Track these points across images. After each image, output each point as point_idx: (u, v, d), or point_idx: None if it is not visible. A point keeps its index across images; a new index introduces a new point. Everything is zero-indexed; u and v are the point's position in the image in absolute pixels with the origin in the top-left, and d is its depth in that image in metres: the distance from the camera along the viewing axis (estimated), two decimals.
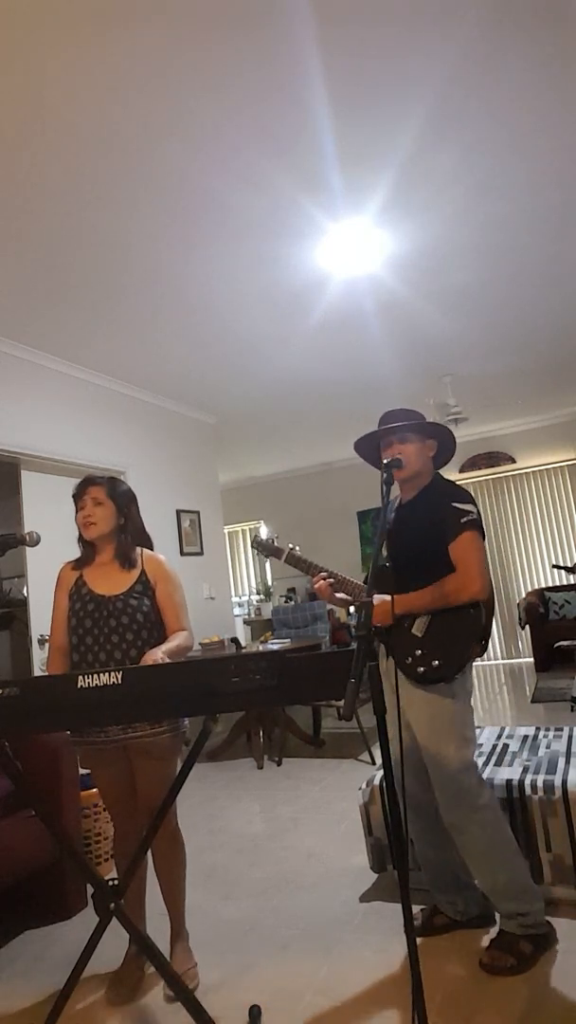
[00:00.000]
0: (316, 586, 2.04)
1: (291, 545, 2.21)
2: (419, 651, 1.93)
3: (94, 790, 2.72)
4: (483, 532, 1.96)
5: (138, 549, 2.15)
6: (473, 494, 2.03)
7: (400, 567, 1.97)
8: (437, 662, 1.90)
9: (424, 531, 1.97)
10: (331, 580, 2.03)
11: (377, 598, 1.93)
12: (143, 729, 1.94)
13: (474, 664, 2.02)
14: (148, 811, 1.98)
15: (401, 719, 2.00)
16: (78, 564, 2.14)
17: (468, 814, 1.89)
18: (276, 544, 2.24)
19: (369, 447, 2.14)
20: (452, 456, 2.15)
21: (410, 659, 1.94)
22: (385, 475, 1.83)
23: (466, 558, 1.89)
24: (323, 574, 2.05)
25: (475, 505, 1.97)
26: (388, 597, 1.91)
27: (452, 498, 1.97)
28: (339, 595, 2.05)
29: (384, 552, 2.09)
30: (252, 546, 2.33)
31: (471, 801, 1.89)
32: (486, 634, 1.98)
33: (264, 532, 8.84)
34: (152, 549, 2.20)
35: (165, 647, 1.96)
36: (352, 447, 2.18)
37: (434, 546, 1.93)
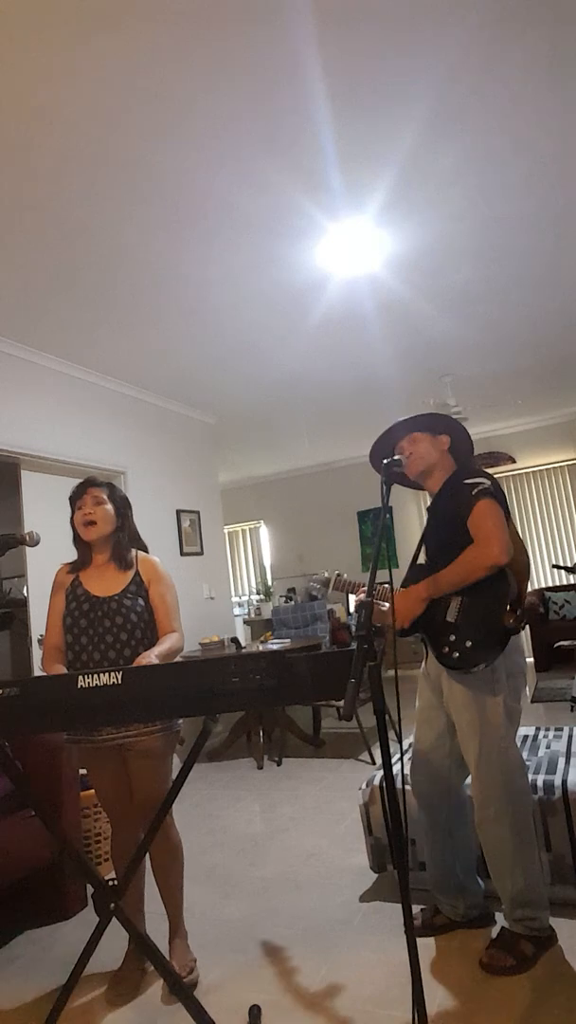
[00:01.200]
0: (360, 600, 2.01)
1: (337, 572, 2.19)
2: (452, 636, 1.88)
3: (94, 790, 2.72)
4: (500, 498, 1.90)
5: (133, 551, 2.16)
6: None
7: (435, 562, 1.95)
8: (470, 642, 1.84)
9: (448, 518, 1.95)
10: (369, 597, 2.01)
11: (402, 594, 1.92)
12: (137, 729, 1.95)
13: (521, 644, 1.93)
14: (144, 811, 1.98)
15: (434, 715, 1.98)
16: (74, 568, 2.15)
17: (505, 816, 1.85)
18: (326, 575, 2.22)
19: (383, 456, 2.08)
20: (471, 446, 2.12)
21: (446, 647, 1.89)
22: (385, 475, 1.83)
23: (481, 524, 1.84)
24: (363, 589, 2.02)
25: (488, 477, 1.93)
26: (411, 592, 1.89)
27: (463, 476, 1.96)
28: (383, 605, 2.00)
29: (423, 555, 2.07)
30: (309, 585, 2.31)
31: (512, 803, 1.86)
32: (519, 601, 1.89)
33: (264, 539, 8.92)
34: (146, 552, 2.22)
35: (156, 650, 1.99)
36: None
37: (456, 529, 1.90)
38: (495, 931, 1.99)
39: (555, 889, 2.09)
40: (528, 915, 1.87)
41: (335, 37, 1.95)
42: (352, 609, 2.12)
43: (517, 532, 1.97)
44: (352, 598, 2.06)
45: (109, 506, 2.12)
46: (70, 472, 4.09)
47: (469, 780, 2.09)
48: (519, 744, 2.59)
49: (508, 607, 1.85)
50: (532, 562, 7.49)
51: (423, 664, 2.08)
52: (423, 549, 2.10)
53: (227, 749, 4.72)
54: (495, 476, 8.27)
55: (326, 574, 2.23)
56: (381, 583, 2.00)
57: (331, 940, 2.12)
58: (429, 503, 2.12)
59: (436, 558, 1.96)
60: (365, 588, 2.00)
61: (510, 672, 1.90)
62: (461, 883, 2.04)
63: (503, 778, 1.86)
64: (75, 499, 2.13)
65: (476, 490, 1.88)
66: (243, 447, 7.09)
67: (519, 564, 1.90)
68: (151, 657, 1.93)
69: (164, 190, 2.58)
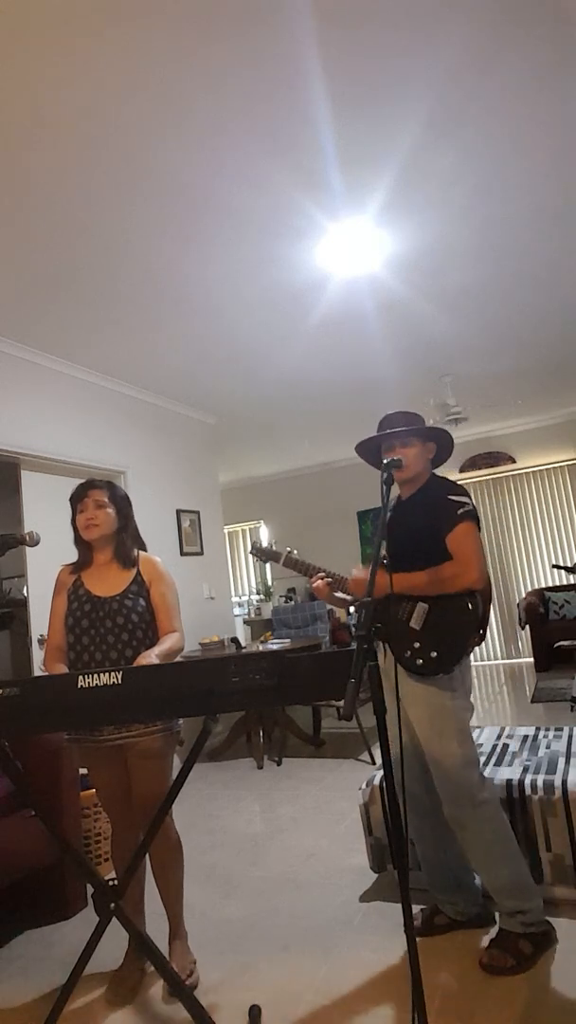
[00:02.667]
0: (314, 586, 2.07)
1: (288, 549, 2.24)
2: (417, 643, 1.94)
3: (94, 790, 2.72)
4: (479, 523, 1.99)
5: (136, 549, 2.17)
6: (473, 494, 2.07)
7: (398, 561, 1.98)
8: (435, 653, 1.91)
9: (421, 525, 2.00)
10: (328, 580, 2.06)
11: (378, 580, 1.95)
12: (137, 729, 1.95)
13: (473, 664, 2.04)
14: (144, 811, 1.98)
15: (401, 716, 2.01)
16: (76, 568, 2.16)
17: (470, 810, 1.90)
18: (274, 548, 2.27)
19: (370, 450, 2.16)
20: (448, 457, 2.19)
21: (408, 652, 1.94)
22: (385, 475, 1.84)
23: (463, 548, 1.91)
24: (321, 574, 2.07)
25: (469, 497, 2.01)
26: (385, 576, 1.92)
27: (447, 491, 2.01)
28: (338, 594, 2.09)
29: (383, 549, 2.09)
30: (251, 552, 2.37)
31: (473, 797, 1.90)
32: (483, 624, 2.00)
33: (264, 538, 8.85)
34: (146, 551, 2.22)
35: (157, 649, 1.99)
36: (352, 447, 2.20)
37: (431, 538, 1.96)
38: (495, 931, 1.99)
39: (555, 889, 2.09)
40: (519, 907, 1.89)
41: (335, 37, 1.95)
42: (352, 609, 2.14)
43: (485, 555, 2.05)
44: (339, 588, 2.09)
45: (111, 508, 2.12)
46: (70, 472, 4.09)
47: None
48: (519, 744, 2.60)
49: (476, 627, 1.95)
50: (532, 562, 7.53)
51: (380, 659, 2.08)
52: (384, 545, 2.10)
53: (227, 749, 4.72)
54: (495, 476, 8.21)
55: (274, 547, 2.27)
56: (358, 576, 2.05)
57: (331, 940, 2.12)
58: (398, 501, 2.15)
59: (402, 560, 1.98)
60: (323, 574, 2.04)
61: (462, 670, 1.97)
62: (457, 880, 2.05)
63: (463, 772, 1.90)
64: (76, 501, 2.13)
65: (462, 510, 1.95)
66: (243, 447, 7.08)
67: (486, 587, 1.98)
68: (151, 657, 1.93)
69: (164, 190, 2.58)
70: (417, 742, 2.03)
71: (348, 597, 2.09)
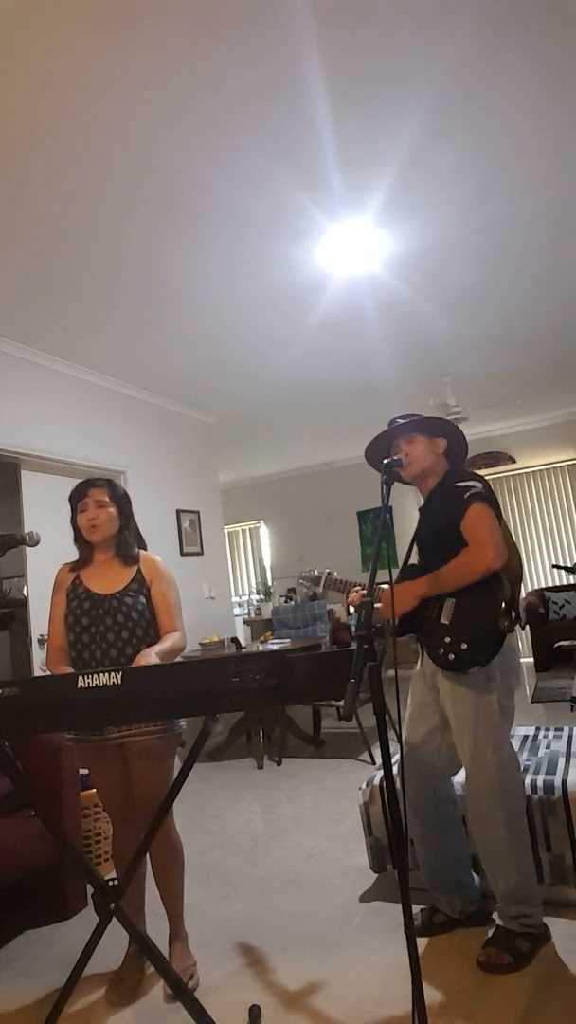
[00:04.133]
0: (351, 600, 2.03)
1: (328, 571, 2.22)
2: (447, 638, 1.90)
3: (94, 790, 2.72)
4: (492, 502, 1.93)
5: (136, 548, 2.17)
6: None
7: (429, 563, 1.97)
8: (466, 645, 1.86)
9: (441, 522, 1.97)
10: (364, 592, 2.04)
11: (398, 587, 1.94)
12: (139, 728, 1.95)
13: (517, 646, 1.97)
14: (144, 811, 1.98)
15: (418, 714, 1.99)
16: (75, 566, 2.15)
17: (499, 813, 1.87)
18: (316, 573, 2.25)
19: (378, 454, 2.13)
20: (466, 451, 2.14)
21: (441, 649, 1.91)
22: (385, 475, 1.84)
23: (475, 528, 1.86)
24: (356, 588, 2.05)
25: (480, 480, 1.96)
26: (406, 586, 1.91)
27: (456, 479, 1.98)
28: (377, 605, 2.01)
29: (415, 554, 2.09)
30: (299, 581, 2.35)
31: (506, 801, 1.87)
32: (513, 605, 1.91)
33: (264, 539, 8.93)
34: (146, 550, 2.22)
35: (157, 648, 1.98)
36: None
37: (452, 533, 1.91)
38: (492, 930, 1.99)
39: (555, 889, 2.09)
40: (523, 912, 1.88)
41: (335, 37, 1.95)
42: (351, 609, 2.15)
43: (510, 534, 1.98)
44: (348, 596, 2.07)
45: (112, 508, 2.12)
46: (70, 472, 4.09)
47: (458, 777, 2.10)
48: (519, 744, 2.60)
49: (503, 609, 1.86)
50: (532, 562, 7.51)
51: (418, 663, 2.09)
52: (415, 550, 2.10)
53: (227, 749, 4.72)
54: (495, 476, 8.23)
55: (316, 572, 2.25)
56: (379, 583, 2.01)
57: (331, 940, 2.12)
58: (421, 504, 2.14)
59: (430, 560, 1.98)
60: (358, 587, 2.03)
61: (504, 670, 1.92)
62: (456, 879, 2.05)
63: (497, 775, 1.87)
64: (75, 500, 2.13)
65: (469, 493, 1.90)
66: (243, 447, 7.08)
67: (512, 566, 1.92)
68: (151, 655, 1.93)
69: (164, 190, 2.58)
70: (436, 737, 2.02)
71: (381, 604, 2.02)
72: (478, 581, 1.85)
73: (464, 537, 1.88)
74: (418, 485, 2.11)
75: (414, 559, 2.10)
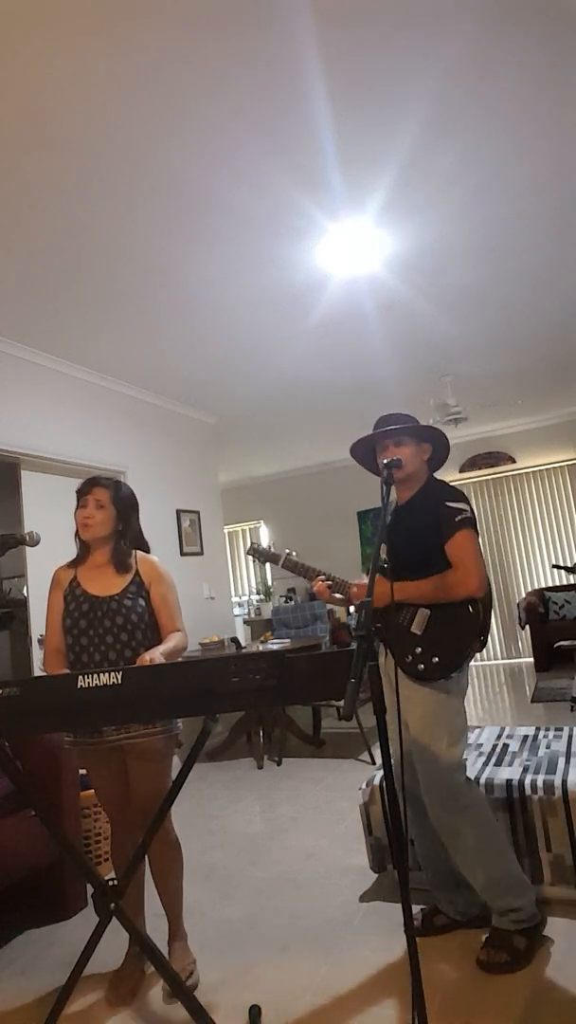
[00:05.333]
0: (315, 588, 2.08)
1: (288, 551, 2.24)
2: (418, 649, 1.94)
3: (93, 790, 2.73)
4: (477, 530, 1.99)
5: (133, 553, 2.16)
6: (473, 494, 2.07)
7: (398, 567, 1.99)
8: (437, 659, 1.92)
9: (420, 531, 1.99)
10: (328, 582, 2.06)
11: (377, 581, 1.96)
12: (137, 730, 1.95)
13: (472, 664, 2.04)
14: (142, 812, 1.98)
15: (400, 718, 2.01)
16: (72, 564, 2.15)
17: (456, 813, 1.91)
18: (273, 550, 2.27)
19: (365, 451, 2.16)
20: (446, 458, 2.18)
21: (410, 657, 1.95)
22: (385, 475, 1.85)
23: (463, 556, 1.91)
24: (321, 577, 2.08)
25: (468, 503, 2.00)
26: (387, 583, 1.94)
27: (446, 497, 2.00)
28: (337, 595, 2.11)
29: (383, 554, 2.10)
30: (248, 553, 2.38)
31: (458, 800, 1.91)
32: (484, 630, 2.00)
33: (264, 539, 8.84)
34: (148, 552, 2.21)
35: (161, 648, 1.98)
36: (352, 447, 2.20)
37: (430, 545, 1.96)
38: (489, 930, 1.99)
39: (555, 889, 2.09)
40: (511, 904, 1.89)
41: (335, 37, 1.95)
42: (351, 609, 2.18)
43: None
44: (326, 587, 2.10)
45: (109, 510, 2.11)
46: (70, 472, 4.09)
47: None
48: (519, 744, 2.60)
49: (476, 633, 1.95)
50: (532, 562, 7.53)
51: (380, 661, 2.09)
52: (383, 550, 2.10)
53: (227, 749, 4.72)
54: (495, 476, 8.19)
55: (272, 548, 2.27)
56: (354, 582, 2.07)
57: (331, 940, 2.12)
58: (396, 506, 2.14)
59: (402, 567, 1.99)
60: (323, 576, 2.05)
61: (459, 673, 1.97)
62: (457, 880, 2.05)
63: (446, 775, 1.91)
64: (80, 495, 2.13)
65: (460, 517, 1.94)
66: (243, 447, 7.09)
67: (486, 593, 1.98)
68: (156, 655, 1.92)
69: (164, 190, 2.58)
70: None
71: (345, 597, 2.10)
72: (456, 603, 1.92)
73: (446, 556, 1.93)
74: (398, 488, 2.13)
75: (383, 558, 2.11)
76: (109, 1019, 1.87)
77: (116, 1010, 1.90)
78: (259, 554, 2.30)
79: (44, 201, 2.56)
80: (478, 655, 2.05)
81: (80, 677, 1.58)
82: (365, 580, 2.01)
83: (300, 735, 4.66)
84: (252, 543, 2.34)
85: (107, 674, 1.57)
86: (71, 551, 2.17)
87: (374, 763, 4.04)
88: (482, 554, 1.97)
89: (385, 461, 1.90)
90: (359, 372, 5.10)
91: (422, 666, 1.93)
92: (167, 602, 2.11)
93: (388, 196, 2.80)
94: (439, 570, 1.93)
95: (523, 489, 7.61)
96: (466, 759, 2.06)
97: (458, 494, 2.02)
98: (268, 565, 8.83)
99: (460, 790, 1.92)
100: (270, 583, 8.61)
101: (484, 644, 2.01)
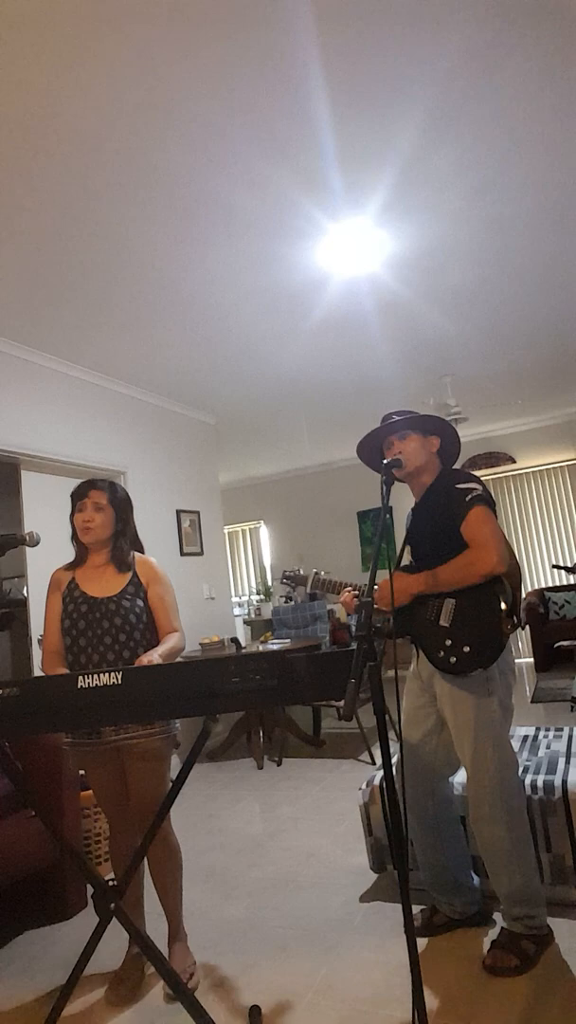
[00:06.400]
0: (343, 600, 2.04)
1: (316, 571, 2.23)
2: (448, 641, 1.89)
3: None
4: (492, 505, 1.93)
5: (132, 553, 2.16)
6: None
7: (423, 564, 1.96)
8: (468, 648, 1.85)
9: (438, 523, 1.96)
10: (356, 592, 2.05)
11: (396, 575, 1.94)
12: (136, 731, 1.95)
13: (512, 652, 1.97)
14: (140, 813, 1.98)
15: (414, 715, 1.99)
16: (70, 565, 2.15)
17: (500, 813, 1.87)
18: (302, 572, 2.27)
19: (372, 451, 2.14)
20: (459, 451, 2.14)
21: (441, 652, 1.90)
22: (385, 476, 1.84)
23: (478, 533, 1.85)
24: (348, 588, 2.06)
25: (479, 482, 1.95)
26: (406, 577, 1.91)
27: (455, 481, 1.97)
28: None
29: (407, 556, 2.09)
30: (282, 581, 2.38)
31: (507, 802, 1.87)
32: (515, 610, 1.91)
33: (264, 539, 8.91)
34: (143, 552, 2.22)
35: (160, 649, 1.98)
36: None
37: (449, 534, 1.91)
38: (494, 932, 1.99)
39: (555, 889, 2.09)
40: (527, 913, 1.88)
41: (335, 37, 1.95)
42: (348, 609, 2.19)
43: (506, 537, 1.98)
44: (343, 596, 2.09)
45: (109, 512, 2.11)
46: (70, 472, 4.09)
47: (457, 778, 2.10)
48: (519, 744, 2.60)
49: (504, 612, 1.87)
50: (532, 562, 7.51)
51: (413, 664, 2.09)
52: (407, 550, 2.11)
53: (227, 749, 4.72)
54: (495, 476, 8.21)
55: (301, 570, 2.27)
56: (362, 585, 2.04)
57: (331, 940, 2.12)
58: (414, 503, 2.13)
59: (425, 561, 1.97)
60: (350, 588, 2.03)
61: (502, 670, 1.91)
62: (455, 880, 2.04)
63: (497, 775, 1.87)
64: (76, 499, 2.13)
65: (470, 496, 1.90)
66: (243, 447, 7.08)
67: (512, 569, 1.92)
68: (154, 657, 1.93)
69: (164, 190, 2.58)
70: (433, 739, 2.02)
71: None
72: (479, 584, 1.85)
73: (464, 539, 1.88)
74: (411, 483, 2.11)
75: (406, 559, 2.10)
76: (109, 1019, 1.87)
77: (116, 1010, 1.90)
78: (290, 580, 2.28)
79: (44, 201, 2.56)
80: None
81: (80, 677, 1.58)
82: (386, 579, 1.97)
83: (300, 735, 4.66)
84: (284, 571, 2.35)
85: (107, 674, 1.57)
86: (71, 551, 2.17)
87: (374, 763, 4.04)
88: (501, 529, 1.89)
89: (385, 461, 1.90)
90: (359, 372, 5.10)
91: (454, 659, 1.86)
92: (164, 602, 2.11)
93: (388, 196, 2.80)
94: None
95: (523, 489, 7.61)
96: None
97: (468, 476, 1.97)
98: (269, 563, 8.86)
99: (510, 792, 1.87)
100: (270, 583, 8.61)
101: (517, 624, 1.91)
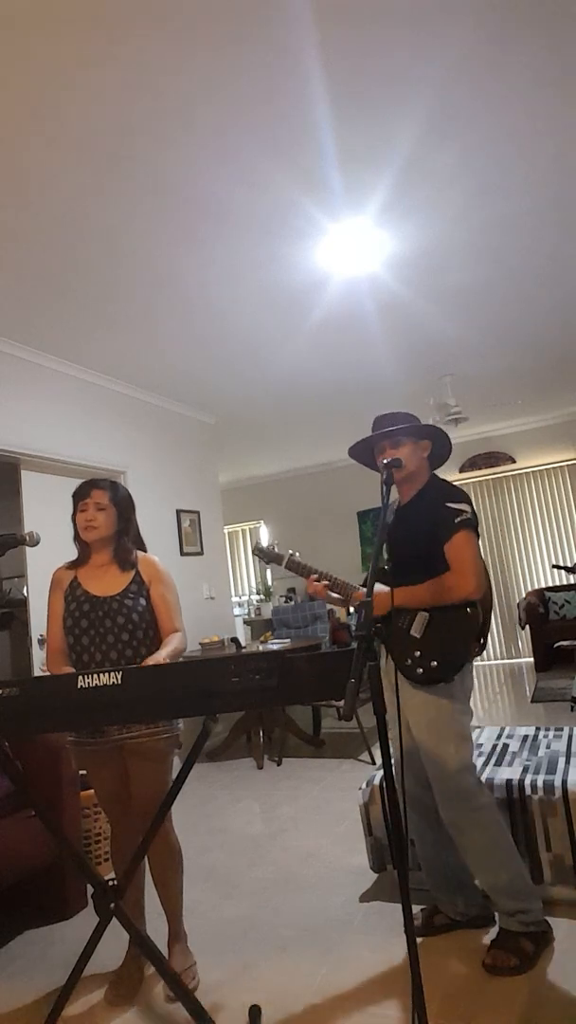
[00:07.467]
0: (310, 588, 2.08)
1: (291, 551, 2.24)
2: (417, 652, 1.94)
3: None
4: (477, 531, 1.98)
5: (135, 552, 2.16)
6: (473, 494, 2.06)
7: (399, 568, 1.99)
8: (435, 663, 1.91)
9: (421, 532, 1.99)
10: (325, 582, 2.06)
11: (377, 587, 1.97)
12: (139, 730, 1.95)
13: (474, 664, 2.03)
14: (142, 813, 1.98)
15: (401, 719, 2.01)
16: (73, 565, 2.15)
17: (467, 814, 1.90)
18: (277, 550, 2.27)
19: (364, 451, 2.15)
20: (448, 456, 2.17)
21: (409, 660, 1.95)
22: (385, 475, 1.85)
23: (461, 558, 1.90)
24: (314, 576, 2.08)
25: (470, 504, 1.99)
26: (387, 588, 1.95)
27: (447, 498, 1.99)
28: (334, 595, 2.10)
29: (384, 554, 2.11)
30: (254, 553, 2.38)
31: (470, 801, 1.90)
32: (483, 633, 1.99)
33: (264, 539, 8.83)
34: (145, 551, 2.22)
35: (164, 651, 1.98)
36: (352, 447, 2.20)
37: (430, 546, 1.95)
38: (494, 932, 1.99)
39: (555, 889, 2.09)
40: (521, 907, 1.89)
41: (335, 37, 1.95)
42: (351, 609, 2.20)
43: (484, 563, 2.03)
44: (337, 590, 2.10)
45: (111, 511, 2.11)
46: (70, 472, 4.09)
47: None
48: (519, 744, 2.60)
49: (475, 637, 1.95)
50: (532, 562, 7.52)
51: (382, 663, 2.09)
52: (384, 552, 2.11)
53: (227, 749, 4.72)
54: (495, 476, 8.18)
55: (276, 548, 2.28)
56: (357, 585, 2.07)
57: (331, 940, 2.12)
58: (398, 506, 2.14)
59: (402, 568, 1.99)
60: (315, 576, 2.07)
61: (462, 675, 1.96)
62: (457, 880, 2.05)
63: (455, 778, 1.90)
64: (77, 499, 2.13)
65: (459, 519, 1.93)
66: (243, 447, 7.08)
67: (486, 596, 1.98)
68: (160, 659, 1.93)
69: (164, 190, 2.58)
70: (416, 744, 2.03)
71: (342, 597, 2.10)
72: (455, 606, 1.92)
73: (444, 558, 1.92)
74: (399, 487, 2.12)
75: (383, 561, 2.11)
76: (109, 1019, 1.87)
77: (116, 1010, 1.90)
78: (263, 554, 2.30)
79: (44, 201, 2.56)
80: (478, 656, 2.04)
81: (80, 677, 1.58)
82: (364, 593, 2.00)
83: (300, 735, 4.66)
84: (256, 543, 2.35)
85: (107, 674, 1.57)
86: (71, 551, 2.17)
87: (374, 763, 4.04)
88: (481, 556, 1.96)
89: (385, 461, 1.90)
90: (359, 372, 5.10)
91: (421, 670, 1.92)
92: (167, 601, 2.11)
93: (388, 196, 2.80)
94: (440, 571, 1.92)
95: (523, 489, 7.61)
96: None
97: (460, 494, 2.00)
98: (270, 565, 8.85)
99: (470, 792, 1.91)
100: (270, 583, 8.61)
101: (484, 647, 2.01)
